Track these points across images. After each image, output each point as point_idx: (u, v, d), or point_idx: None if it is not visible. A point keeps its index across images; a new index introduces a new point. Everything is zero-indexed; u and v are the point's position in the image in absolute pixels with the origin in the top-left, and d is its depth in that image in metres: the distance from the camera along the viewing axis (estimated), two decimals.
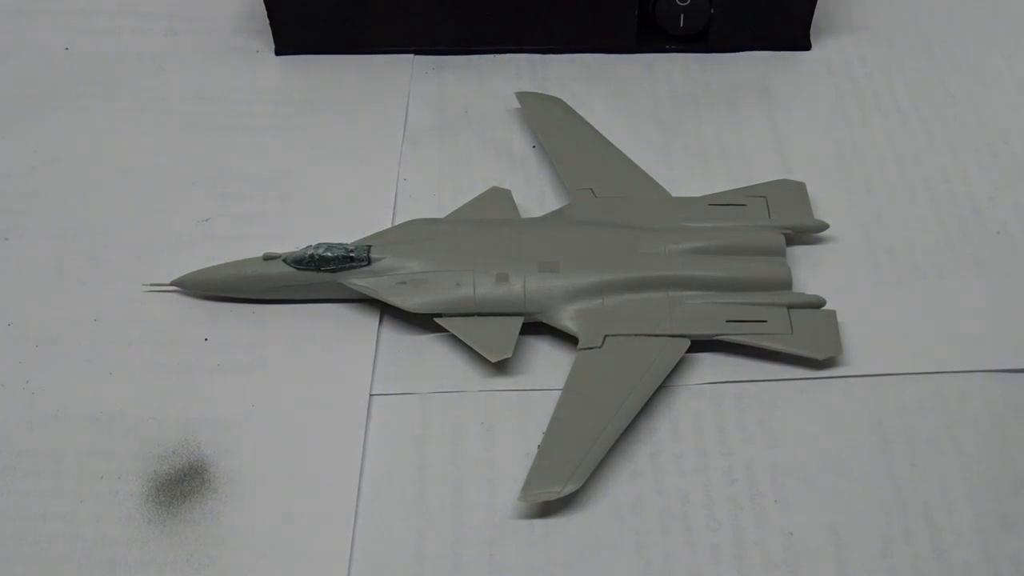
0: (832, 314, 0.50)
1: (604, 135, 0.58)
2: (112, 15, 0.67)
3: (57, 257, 0.54)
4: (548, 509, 0.45)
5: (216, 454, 0.46)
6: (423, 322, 0.50)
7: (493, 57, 0.64)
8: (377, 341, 0.50)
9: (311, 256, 0.50)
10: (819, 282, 0.52)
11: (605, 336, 0.49)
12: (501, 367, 0.49)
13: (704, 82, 0.62)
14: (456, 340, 0.49)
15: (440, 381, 0.49)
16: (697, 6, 0.62)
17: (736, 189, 0.55)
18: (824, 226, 0.54)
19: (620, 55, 0.64)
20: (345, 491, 0.45)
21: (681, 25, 0.63)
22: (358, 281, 0.50)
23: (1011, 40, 0.65)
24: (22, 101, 0.61)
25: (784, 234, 0.52)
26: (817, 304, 0.50)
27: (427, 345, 0.50)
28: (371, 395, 0.48)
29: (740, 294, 0.50)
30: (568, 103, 0.60)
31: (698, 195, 0.55)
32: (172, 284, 0.52)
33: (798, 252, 0.53)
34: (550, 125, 0.58)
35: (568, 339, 0.50)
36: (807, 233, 0.54)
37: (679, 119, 0.60)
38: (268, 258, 0.50)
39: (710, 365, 0.49)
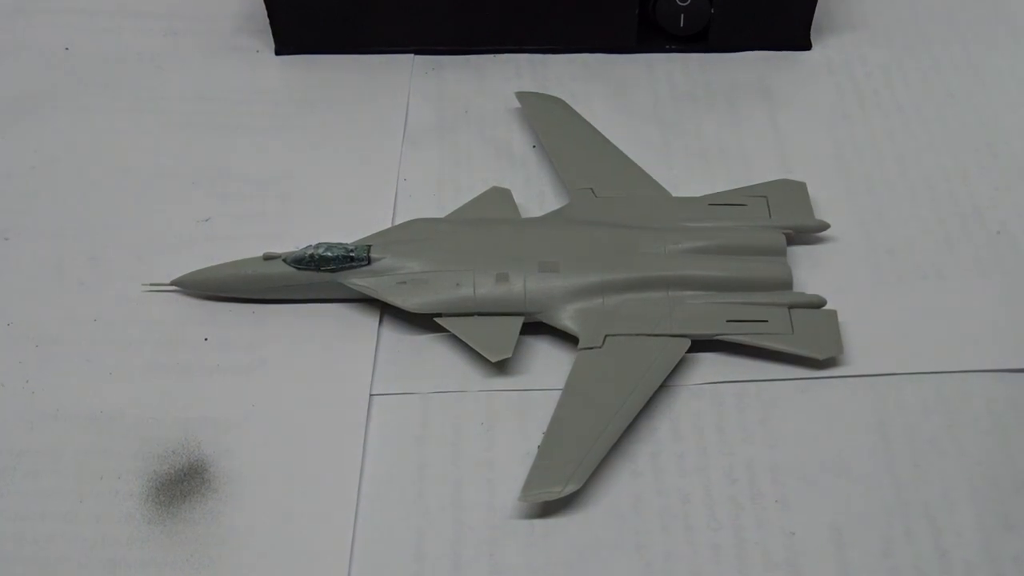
0: (833, 314, 0.50)
1: (604, 135, 0.58)
2: (112, 15, 0.66)
3: (57, 257, 0.54)
4: (548, 509, 0.45)
5: (216, 454, 0.46)
6: (423, 322, 0.50)
7: (493, 57, 0.64)
8: (377, 341, 0.50)
9: (311, 256, 0.50)
10: (820, 282, 0.52)
11: (605, 336, 0.48)
12: (501, 367, 0.49)
13: (704, 82, 0.62)
14: (456, 340, 0.49)
15: (440, 381, 0.49)
16: (697, 6, 0.62)
17: (737, 189, 0.55)
18: (825, 226, 0.54)
19: (620, 55, 0.64)
20: (345, 491, 0.45)
21: (681, 25, 0.63)
22: (358, 281, 0.50)
23: (1012, 39, 0.65)
24: (22, 101, 0.61)
25: (785, 234, 0.52)
26: (818, 304, 0.50)
27: (427, 345, 0.50)
28: (371, 395, 0.48)
29: (741, 294, 0.50)
30: (568, 103, 0.60)
31: (698, 195, 0.55)
32: (172, 284, 0.52)
33: (799, 252, 0.53)
34: (550, 125, 0.58)
35: (568, 339, 0.50)
36: (808, 233, 0.54)
37: (679, 119, 0.60)
38: (268, 258, 0.50)
39: (711, 365, 0.49)
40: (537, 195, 0.56)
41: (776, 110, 0.61)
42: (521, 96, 0.60)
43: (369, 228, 0.53)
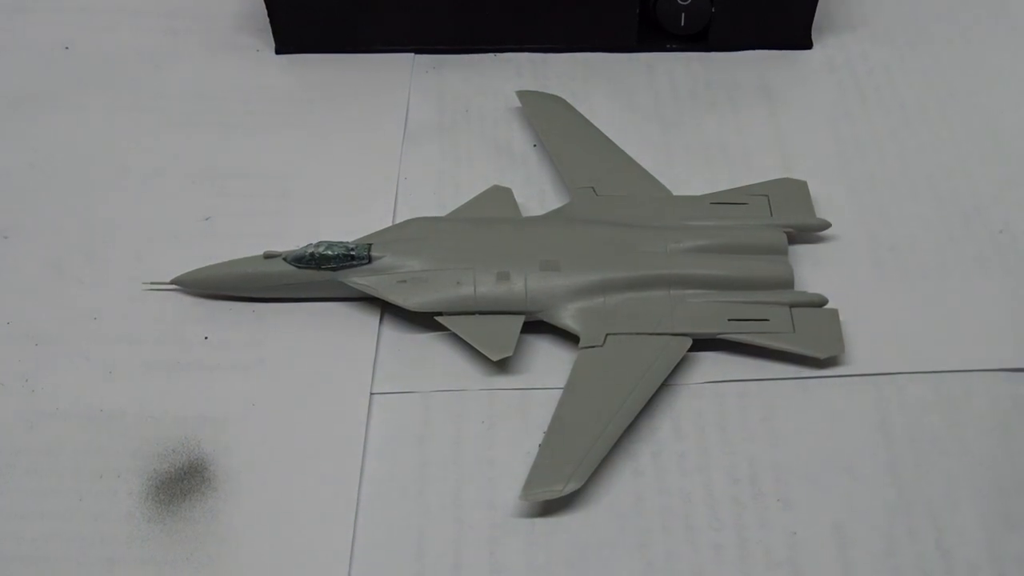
0: (834, 313, 0.50)
1: (605, 134, 0.58)
2: (112, 13, 0.66)
3: (56, 255, 0.53)
4: (549, 508, 0.45)
5: (216, 452, 0.46)
6: (424, 321, 0.50)
7: (493, 56, 0.64)
8: (378, 340, 0.50)
9: (311, 254, 0.50)
10: (821, 281, 0.52)
11: (607, 335, 0.48)
12: (502, 366, 0.49)
13: (705, 81, 0.62)
14: (457, 339, 0.49)
15: (441, 380, 0.49)
16: (698, 5, 0.62)
17: (738, 188, 0.55)
18: (826, 225, 0.53)
19: (621, 54, 0.64)
20: (346, 490, 0.45)
21: (682, 24, 0.63)
22: (359, 280, 0.50)
23: (1013, 36, 0.65)
24: (22, 99, 0.61)
25: (786, 233, 0.52)
26: (819, 303, 0.50)
27: (428, 344, 0.50)
28: (372, 394, 0.48)
29: (742, 293, 0.50)
30: (569, 102, 0.60)
31: (699, 194, 0.55)
32: (172, 282, 0.51)
33: (800, 251, 0.53)
34: (551, 123, 0.58)
35: (569, 338, 0.50)
36: (809, 232, 0.54)
37: (680, 118, 0.60)
38: (268, 256, 0.50)
39: (712, 364, 0.49)
40: (538, 194, 0.56)
41: (777, 109, 0.61)
42: (522, 95, 0.60)
43: (369, 227, 0.53)
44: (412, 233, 0.51)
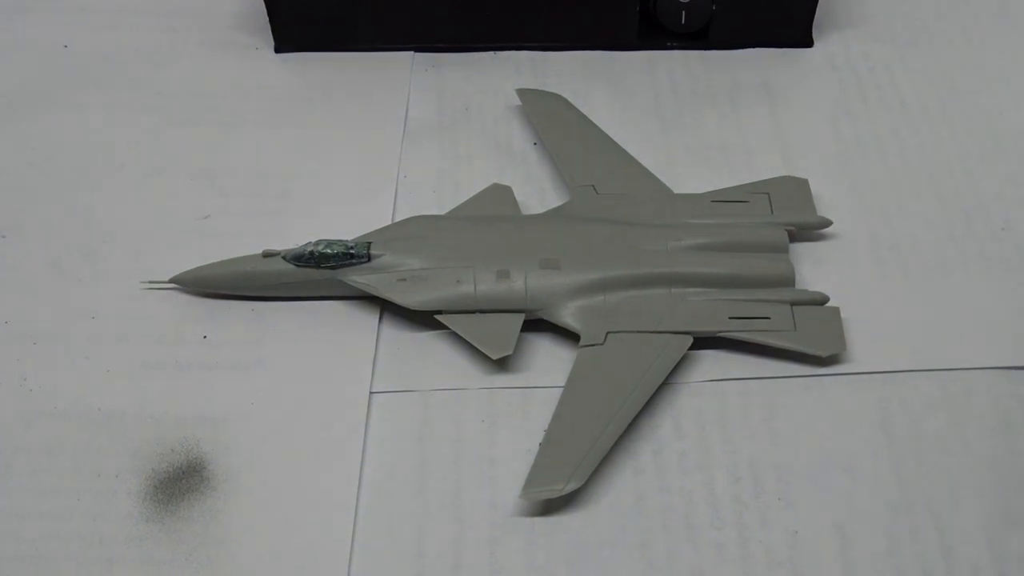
0: (836, 311, 0.50)
1: (605, 132, 0.58)
2: (111, 12, 0.66)
3: (55, 254, 0.53)
4: (550, 507, 0.44)
5: (215, 452, 0.46)
6: (424, 319, 0.50)
7: (493, 54, 0.64)
8: (377, 338, 0.50)
9: (311, 253, 0.50)
10: (822, 279, 0.52)
11: (607, 333, 0.48)
12: (502, 364, 0.49)
13: (706, 79, 0.62)
14: (457, 337, 0.49)
15: (441, 378, 0.48)
16: (699, 3, 0.62)
17: (739, 186, 0.55)
18: (827, 223, 0.53)
19: (621, 52, 0.64)
20: (345, 489, 0.45)
21: (683, 22, 0.63)
22: (358, 278, 0.49)
23: (1015, 34, 0.65)
24: (20, 98, 0.61)
25: (787, 231, 0.52)
26: (820, 301, 0.50)
27: (428, 342, 0.50)
28: (371, 393, 0.48)
29: (743, 291, 0.50)
30: (569, 100, 0.60)
31: (700, 192, 0.54)
32: (171, 281, 0.51)
33: (801, 249, 0.53)
34: (551, 121, 0.58)
35: (570, 336, 0.49)
36: (810, 230, 0.53)
37: (681, 116, 0.60)
38: (267, 255, 0.50)
39: (713, 362, 0.49)
40: (538, 192, 0.56)
41: (778, 107, 0.60)
42: (522, 93, 0.60)
43: (369, 225, 0.52)
44: (412, 231, 0.51)
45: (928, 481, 0.45)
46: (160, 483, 0.45)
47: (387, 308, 0.51)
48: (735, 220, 0.52)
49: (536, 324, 0.50)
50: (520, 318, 0.49)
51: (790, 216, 0.53)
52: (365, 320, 0.50)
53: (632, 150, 0.57)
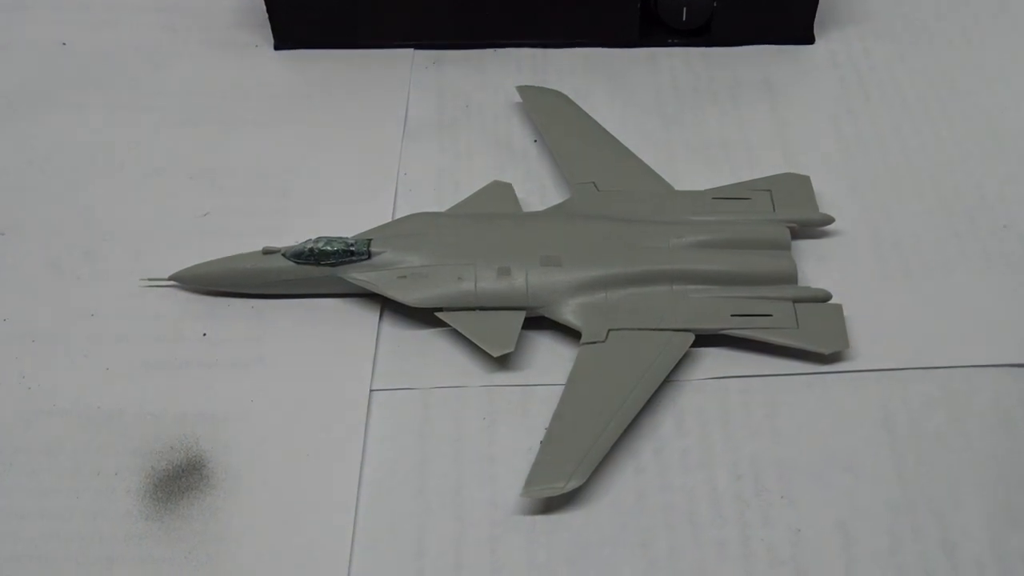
0: (838, 308, 0.49)
1: (606, 129, 0.58)
2: (110, 9, 0.66)
3: (54, 252, 0.53)
4: (551, 505, 0.44)
5: (215, 450, 0.46)
6: (424, 317, 0.50)
7: (494, 51, 0.64)
8: (377, 336, 0.50)
9: (311, 250, 0.49)
10: (825, 276, 0.52)
11: (608, 330, 0.48)
12: (503, 362, 0.48)
13: (707, 76, 0.62)
14: (457, 335, 0.49)
15: (441, 376, 0.48)
16: (700, 0, 0.61)
17: (740, 183, 0.54)
18: (829, 220, 0.53)
19: (622, 49, 0.64)
20: (345, 487, 0.45)
21: (684, 19, 0.62)
22: (358, 275, 0.49)
23: (1016, 31, 0.64)
24: (19, 96, 0.61)
25: (789, 228, 0.52)
26: (823, 298, 0.50)
27: (428, 340, 0.50)
28: (371, 390, 0.48)
29: (745, 288, 0.50)
30: (570, 97, 0.60)
31: (701, 189, 0.54)
32: (170, 279, 0.51)
33: (803, 246, 0.53)
34: (552, 118, 0.58)
35: (571, 334, 0.49)
36: (812, 227, 0.53)
37: (682, 113, 0.60)
38: (267, 252, 0.50)
39: (715, 360, 0.49)
40: (538, 189, 0.56)
41: (779, 104, 0.60)
42: (522, 90, 0.60)
43: (369, 222, 0.52)
44: (412, 228, 0.51)
45: (930, 479, 0.45)
46: (160, 481, 0.45)
47: (387, 305, 0.51)
48: (737, 217, 0.52)
49: (537, 321, 0.49)
50: (521, 315, 0.49)
51: (792, 213, 0.53)
52: (365, 317, 0.50)
53: (633, 147, 0.57)
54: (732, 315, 0.49)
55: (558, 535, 0.43)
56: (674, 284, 0.50)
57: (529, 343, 0.49)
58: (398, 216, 0.54)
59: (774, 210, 0.53)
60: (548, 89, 0.60)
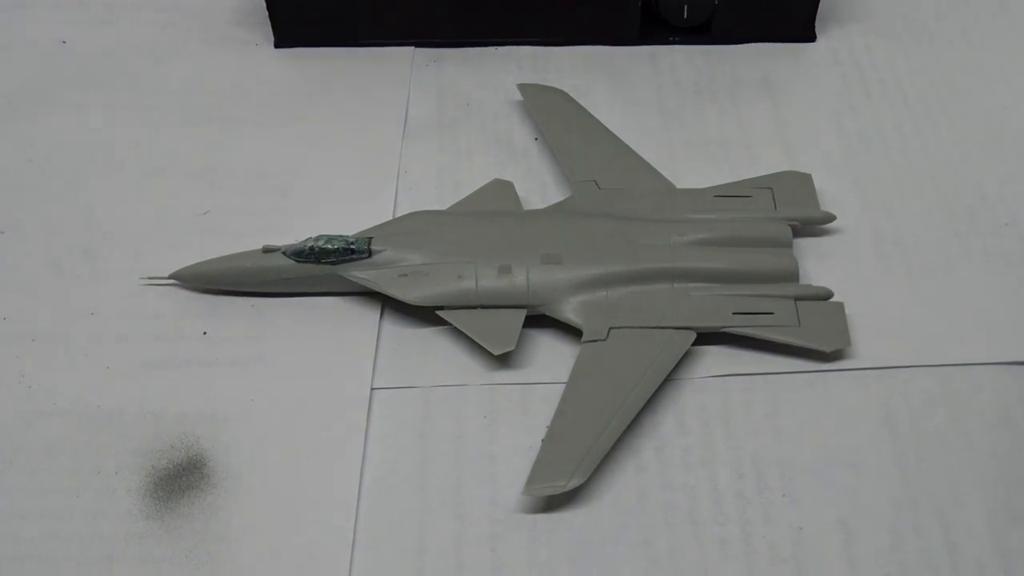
0: (839, 306, 0.49)
1: (607, 127, 0.58)
2: (109, 8, 0.66)
3: (54, 251, 0.53)
4: (552, 503, 0.44)
5: (215, 449, 0.46)
6: (425, 315, 0.49)
7: (494, 49, 0.63)
8: (378, 334, 0.49)
9: (311, 248, 0.49)
10: (826, 274, 0.51)
11: (610, 329, 0.48)
12: (504, 360, 0.48)
13: (708, 74, 0.62)
14: (458, 333, 0.49)
15: (442, 374, 0.48)
16: None
17: (741, 180, 0.54)
18: (831, 217, 0.53)
19: (623, 47, 0.63)
20: (346, 486, 0.45)
21: (685, 17, 0.62)
22: (359, 273, 0.49)
23: (1017, 29, 0.64)
24: (19, 94, 0.61)
25: (790, 225, 0.52)
26: (824, 296, 0.50)
27: (429, 338, 0.49)
28: (372, 389, 0.48)
29: (746, 286, 0.50)
30: (570, 95, 0.60)
31: (703, 187, 0.54)
32: (170, 277, 0.51)
33: (805, 244, 0.53)
34: (552, 116, 0.58)
35: (572, 332, 0.49)
36: (814, 225, 0.53)
37: (683, 111, 0.60)
38: (267, 251, 0.50)
39: (716, 358, 0.49)
40: (539, 187, 0.56)
41: (781, 102, 0.60)
42: (523, 88, 0.60)
43: (370, 221, 0.52)
44: (413, 227, 0.51)
45: (932, 477, 0.45)
46: (160, 480, 0.45)
47: (388, 304, 0.50)
48: (738, 215, 0.52)
49: (538, 320, 0.49)
50: (522, 314, 0.49)
51: (793, 211, 0.53)
52: (366, 316, 0.50)
53: (634, 145, 0.57)
54: (733, 313, 0.49)
55: (559, 533, 0.43)
56: (675, 282, 0.49)
57: (530, 341, 0.49)
58: (399, 214, 0.54)
59: (775, 208, 0.53)
60: (549, 87, 0.60)
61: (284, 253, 0.50)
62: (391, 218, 0.54)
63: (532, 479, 0.44)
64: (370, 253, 0.49)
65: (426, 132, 0.59)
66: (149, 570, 0.42)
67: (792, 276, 0.50)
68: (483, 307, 0.48)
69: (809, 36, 0.64)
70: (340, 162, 0.57)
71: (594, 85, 0.61)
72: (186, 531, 0.44)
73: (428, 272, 0.49)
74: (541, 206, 0.54)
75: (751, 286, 0.49)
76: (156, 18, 0.65)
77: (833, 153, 0.57)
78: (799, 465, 0.45)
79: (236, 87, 0.61)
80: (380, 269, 0.49)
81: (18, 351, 0.49)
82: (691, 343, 0.48)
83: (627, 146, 0.56)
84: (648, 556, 0.43)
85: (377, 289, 0.49)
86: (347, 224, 0.51)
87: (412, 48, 0.63)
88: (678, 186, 0.55)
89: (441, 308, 0.48)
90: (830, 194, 0.55)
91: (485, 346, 0.48)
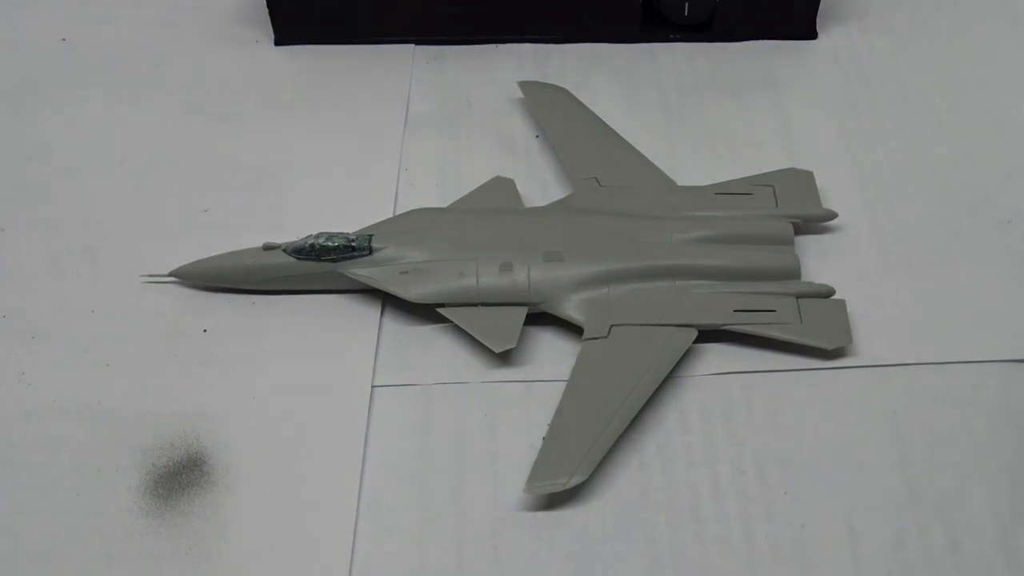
0: (841, 303, 0.49)
1: (608, 124, 0.57)
2: (109, 5, 0.66)
3: (53, 248, 0.53)
4: (553, 501, 0.44)
5: (215, 446, 0.46)
6: (426, 312, 0.49)
7: (495, 47, 0.63)
8: (379, 332, 0.49)
9: (312, 246, 0.49)
10: (828, 271, 0.51)
11: (611, 326, 0.48)
12: (505, 358, 0.48)
13: (710, 72, 0.62)
14: (459, 330, 0.48)
15: (443, 372, 0.48)
16: None
17: (743, 178, 0.54)
18: (832, 215, 0.53)
19: (624, 45, 0.63)
20: (347, 483, 0.45)
21: (686, 14, 0.62)
22: (359, 271, 0.49)
23: (1019, 25, 0.64)
24: (18, 91, 0.61)
25: (792, 223, 0.52)
26: (826, 293, 0.50)
27: (430, 336, 0.49)
28: (373, 386, 0.48)
29: (748, 283, 0.49)
30: (571, 93, 0.59)
31: (704, 184, 0.54)
32: (170, 275, 0.51)
33: (806, 241, 0.53)
34: (554, 114, 0.58)
35: (573, 329, 0.49)
36: (815, 222, 0.53)
37: (684, 108, 0.60)
38: (268, 248, 0.50)
39: (718, 355, 0.49)
40: (540, 185, 0.56)
41: (782, 100, 0.60)
42: (524, 85, 0.60)
43: (370, 218, 0.52)
44: (414, 224, 0.51)
45: (936, 474, 0.45)
46: (160, 478, 0.45)
47: (389, 301, 0.50)
48: (739, 212, 0.52)
49: (539, 317, 0.49)
50: (523, 311, 0.48)
51: (795, 208, 0.53)
52: (367, 313, 0.50)
53: (635, 142, 0.56)
54: (735, 311, 0.48)
55: (561, 531, 0.43)
56: (677, 280, 0.49)
57: (531, 339, 0.49)
58: (399, 212, 0.54)
59: (777, 205, 0.53)
60: (550, 84, 0.60)
61: (284, 251, 0.49)
62: (392, 215, 0.53)
63: (533, 477, 0.44)
64: (371, 250, 0.49)
65: (427, 130, 0.59)
66: (149, 568, 0.42)
67: (794, 274, 0.50)
68: (484, 304, 0.48)
69: (810, 34, 0.64)
70: (341, 160, 0.57)
71: (595, 82, 0.61)
72: (186, 529, 0.43)
73: (429, 269, 0.49)
74: (542, 203, 0.54)
75: (753, 284, 0.49)
76: (156, 16, 0.65)
77: (835, 150, 0.57)
78: (801, 463, 0.45)
79: (236, 85, 0.61)
80: (381, 266, 0.49)
81: (18, 349, 0.49)
82: (692, 340, 0.48)
83: (628, 143, 0.56)
84: (650, 554, 0.43)
85: (378, 287, 0.49)
86: (348, 221, 0.51)
87: (413, 46, 0.63)
88: (679, 183, 0.54)
89: (442, 305, 0.48)
90: (832, 191, 0.55)
91: (486, 343, 0.47)
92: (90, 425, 0.46)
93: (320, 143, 0.58)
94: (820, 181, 0.54)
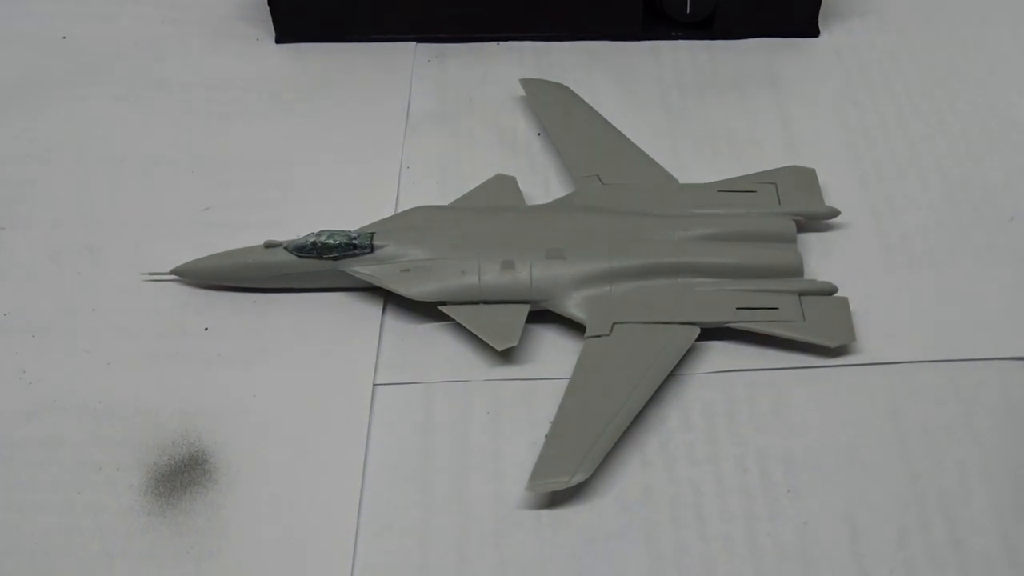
0: (844, 301, 0.49)
1: (610, 122, 0.57)
2: (110, 2, 0.66)
3: (55, 246, 0.53)
4: (556, 499, 0.44)
5: (217, 444, 0.46)
6: (427, 310, 0.49)
7: (497, 44, 0.63)
8: (381, 330, 0.49)
9: (313, 244, 0.49)
10: (831, 269, 0.51)
11: (613, 324, 0.48)
12: (507, 356, 0.48)
13: (711, 69, 0.62)
14: (461, 328, 0.48)
15: (445, 370, 0.48)
16: None
17: (745, 176, 0.54)
18: (835, 212, 0.53)
19: (625, 42, 0.63)
20: (349, 482, 0.44)
21: (687, 12, 0.62)
22: (361, 269, 0.49)
23: (1021, 21, 0.64)
24: (19, 89, 0.61)
25: (795, 220, 0.52)
26: (829, 291, 0.50)
27: (431, 334, 0.49)
28: (375, 385, 0.48)
29: (751, 281, 0.49)
30: (573, 90, 0.59)
31: (706, 182, 0.54)
32: (171, 273, 0.51)
33: (809, 239, 0.53)
34: (555, 112, 0.58)
35: (575, 327, 0.49)
36: (818, 220, 0.53)
37: (686, 106, 0.60)
38: (269, 246, 0.50)
39: (721, 353, 0.48)
40: (542, 182, 0.56)
41: (784, 97, 0.60)
42: (525, 83, 0.60)
43: (372, 216, 0.52)
44: (415, 222, 0.51)
45: (938, 471, 0.45)
46: (162, 476, 0.45)
47: (390, 299, 0.50)
48: (742, 210, 0.52)
49: (541, 315, 0.49)
50: (525, 309, 0.48)
51: (798, 206, 0.52)
52: (368, 311, 0.50)
53: (637, 140, 0.56)
54: (738, 308, 0.48)
55: (563, 529, 0.43)
56: (679, 277, 0.49)
57: (533, 337, 0.49)
58: (401, 210, 0.54)
59: (779, 203, 0.52)
60: (551, 82, 0.60)
61: (286, 248, 0.49)
62: (393, 213, 0.53)
63: (536, 475, 0.44)
64: (372, 248, 0.49)
65: (428, 127, 0.59)
66: (151, 566, 0.42)
67: (796, 271, 0.50)
68: (486, 302, 0.48)
69: (812, 31, 0.63)
70: (342, 158, 0.57)
71: (597, 80, 0.61)
72: (188, 527, 0.43)
73: (431, 267, 0.49)
74: (544, 201, 0.54)
75: (755, 281, 0.49)
76: (157, 13, 0.65)
77: (837, 148, 0.57)
78: (804, 460, 0.45)
79: (237, 83, 0.61)
80: (382, 264, 0.49)
81: (19, 346, 0.49)
82: (695, 338, 0.48)
83: (630, 141, 0.56)
84: (653, 552, 0.43)
85: (379, 284, 0.49)
86: (349, 219, 0.51)
87: (414, 43, 0.63)
88: (681, 181, 0.54)
89: (444, 303, 0.48)
90: (834, 189, 0.55)
91: (488, 341, 0.47)
92: (91, 423, 0.46)
93: (321, 141, 0.58)
94: (822, 178, 0.54)
